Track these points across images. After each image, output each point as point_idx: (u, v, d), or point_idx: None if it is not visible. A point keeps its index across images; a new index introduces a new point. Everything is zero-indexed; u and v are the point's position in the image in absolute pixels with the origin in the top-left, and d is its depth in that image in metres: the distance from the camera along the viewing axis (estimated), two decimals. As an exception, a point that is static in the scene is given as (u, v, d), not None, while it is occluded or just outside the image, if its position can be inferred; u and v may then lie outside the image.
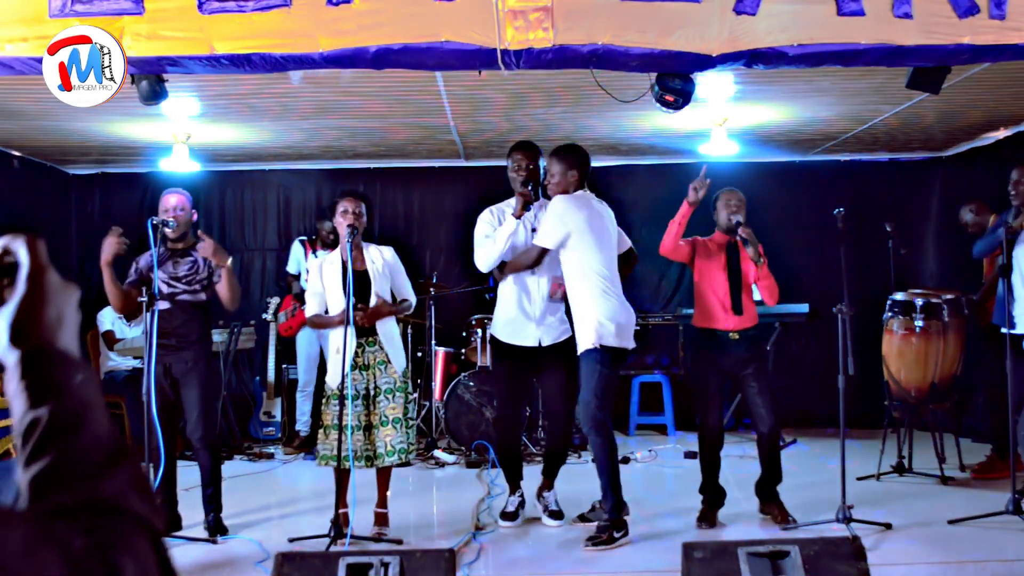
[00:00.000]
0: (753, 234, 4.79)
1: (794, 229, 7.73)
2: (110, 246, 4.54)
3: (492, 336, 5.16)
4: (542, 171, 4.92)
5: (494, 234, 4.83)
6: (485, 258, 4.87)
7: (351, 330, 4.47)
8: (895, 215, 6.74)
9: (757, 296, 5.02)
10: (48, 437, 0.79)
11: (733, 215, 4.83)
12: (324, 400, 4.73)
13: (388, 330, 4.71)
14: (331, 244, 7.12)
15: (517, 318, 4.92)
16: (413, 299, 4.87)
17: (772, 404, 4.82)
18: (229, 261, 4.68)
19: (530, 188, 4.81)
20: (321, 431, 4.68)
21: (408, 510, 5.35)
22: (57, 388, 0.82)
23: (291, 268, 7.44)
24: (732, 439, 6.16)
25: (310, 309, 4.79)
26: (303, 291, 7.05)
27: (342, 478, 4.58)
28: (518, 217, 4.80)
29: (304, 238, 7.44)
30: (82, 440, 0.80)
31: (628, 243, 5.01)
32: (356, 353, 4.62)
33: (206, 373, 4.80)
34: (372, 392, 4.64)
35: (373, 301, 4.62)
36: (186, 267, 4.78)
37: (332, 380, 4.64)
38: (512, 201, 4.89)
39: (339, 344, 4.52)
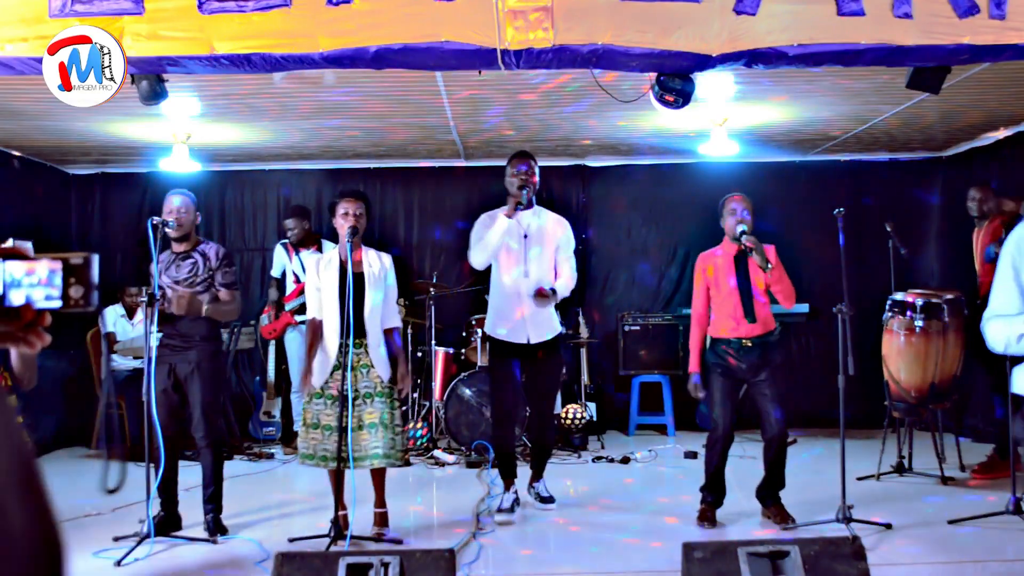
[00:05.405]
0: (758, 242, 4.77)
1: (794, 229, 7.71)
2: None
3: (486, 333, 5.42)
4: (538, 178, 5.17)
5: (487, 234, 5.05)
6: (479, 256, 5.12)
7: (330, 332, 4.61)
8: (895, 215, 6.73)
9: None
10: None
11: (737, 225, 4.82)
12: (307, 398, 4.71)
13: (377, 336, 4.66)
14: (302, 243, 7.10)
15: (507, 315, 5.15)
16: (398, 322, 4.85)
17: (781, 413, 4.81)
18: (204, 309, 4.70)
19: (524, 193, 5.04)
20: (302, 428, 4.71)
21: (408, 510, 5.35)
22: None
23: (275, 272, 7.35)
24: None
25: (310, 307, 4.79)
26: (280, 297, 7.11)
27: (336, 479, 4.57)
28: (509, 217, 5.00)
29: (285, 241, 7.34)
30: None
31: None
32: (343, 353, 4.62)
33: (211, 372, 4.79)
34: (353, 395, 4.63)
35: (367, 305, 4.61)
36: (186, 269, 4.78)
37: (316, 380, 4.66)
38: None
39: (326, 344, 4.65)
